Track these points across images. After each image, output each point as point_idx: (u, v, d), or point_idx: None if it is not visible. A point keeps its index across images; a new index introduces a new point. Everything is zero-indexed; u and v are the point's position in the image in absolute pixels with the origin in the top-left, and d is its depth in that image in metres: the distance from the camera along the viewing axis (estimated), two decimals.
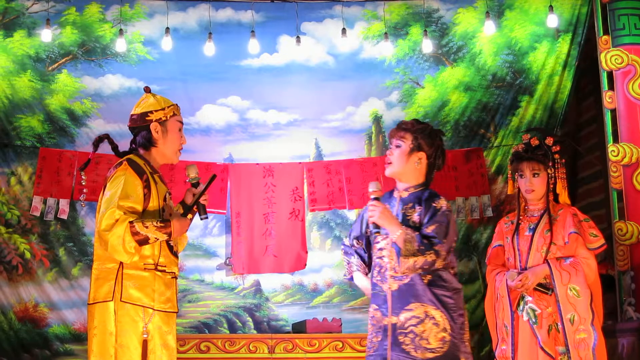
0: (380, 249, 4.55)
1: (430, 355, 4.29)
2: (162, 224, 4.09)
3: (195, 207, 4.37)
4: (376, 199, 4.46)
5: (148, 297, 4.10)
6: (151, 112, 4.31)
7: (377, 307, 4.51)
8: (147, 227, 4.03)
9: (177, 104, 4.44)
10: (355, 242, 4.77)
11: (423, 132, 4.56)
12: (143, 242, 4.04)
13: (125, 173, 4.14)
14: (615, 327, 6.36)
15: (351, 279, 4.78)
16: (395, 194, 4.63)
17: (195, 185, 4.39)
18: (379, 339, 4.45)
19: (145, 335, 4.07)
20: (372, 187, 4.47)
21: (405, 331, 4.34)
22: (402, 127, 4.62)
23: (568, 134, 8.15)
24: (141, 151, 4.33)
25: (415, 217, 4.46)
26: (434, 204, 4.44)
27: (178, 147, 4.40)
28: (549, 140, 5.33)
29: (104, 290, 4.08)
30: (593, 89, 7.82)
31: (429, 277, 4.37)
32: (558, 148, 5.31)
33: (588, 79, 7.96)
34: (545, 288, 5.14)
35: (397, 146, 4.58)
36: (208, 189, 4.41)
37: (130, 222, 4.00)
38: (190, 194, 4.40)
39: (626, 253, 6.68)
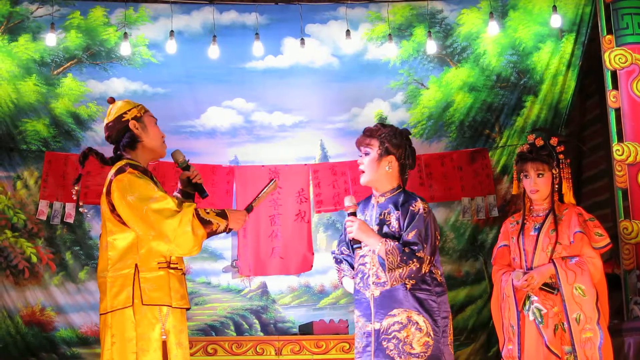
0: (362, 256, 4.56)
1: None
2: (219, 211, 4.13)
3: (194, 190, 4.39)
4: (352, 213, 4.50)
5: (167, 296, 4.10)
6: (125, 112, 4.30)
7: (361, 313, 4.53)
8: (207, 213, 4.07)
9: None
10: (343, 249, 4.79)
11: (389, 136, 4.55)
12: (210, 232, 4.06)
13: (140, 174, 4.14)
14: (622, 326, 6.35)
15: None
16: (373, 200, 4.65)
17: (187, 168, 4.39)
18: (363, 345, 4.47)
19: (164, 337, 4.08)
20: (347, 202, 4.52)
21: (389, 337, 4.36)
22: (367, 133, 4.62)
23: (572, 134, 8.14)
24: (128, 155, 4.29)
25: (394, 223, 4.47)
26: (411, 207, 4.44)
27: (161, 140, 4.38)
28: (554, 141, 5.34)
29: (122, 297, 4.04)
30: (597, 88, 7.81)
31: (411, 281, 4.38)
32: (562, 148, 5.32)
33: (592, 79, 7.96)
34: (551, 287, 5.15)
35: (366, 154, 4.59)
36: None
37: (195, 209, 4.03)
38: (183, 178, 4.41)
39: (632, 252, 6.68)
